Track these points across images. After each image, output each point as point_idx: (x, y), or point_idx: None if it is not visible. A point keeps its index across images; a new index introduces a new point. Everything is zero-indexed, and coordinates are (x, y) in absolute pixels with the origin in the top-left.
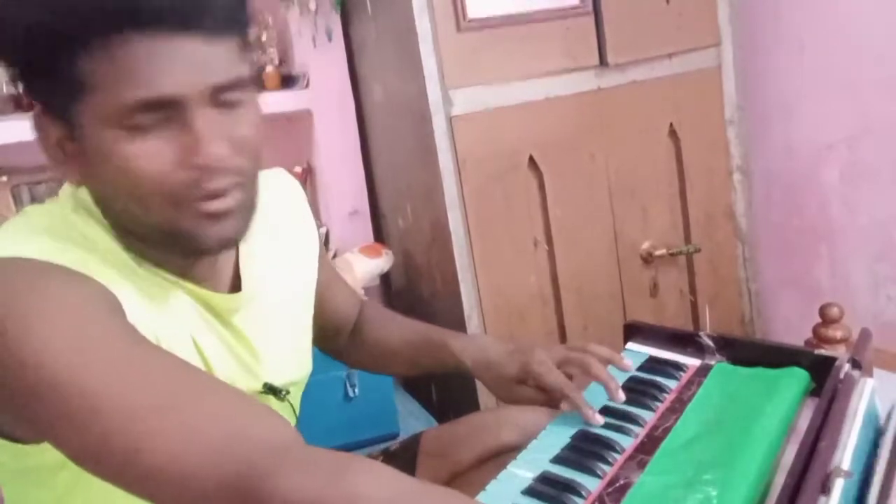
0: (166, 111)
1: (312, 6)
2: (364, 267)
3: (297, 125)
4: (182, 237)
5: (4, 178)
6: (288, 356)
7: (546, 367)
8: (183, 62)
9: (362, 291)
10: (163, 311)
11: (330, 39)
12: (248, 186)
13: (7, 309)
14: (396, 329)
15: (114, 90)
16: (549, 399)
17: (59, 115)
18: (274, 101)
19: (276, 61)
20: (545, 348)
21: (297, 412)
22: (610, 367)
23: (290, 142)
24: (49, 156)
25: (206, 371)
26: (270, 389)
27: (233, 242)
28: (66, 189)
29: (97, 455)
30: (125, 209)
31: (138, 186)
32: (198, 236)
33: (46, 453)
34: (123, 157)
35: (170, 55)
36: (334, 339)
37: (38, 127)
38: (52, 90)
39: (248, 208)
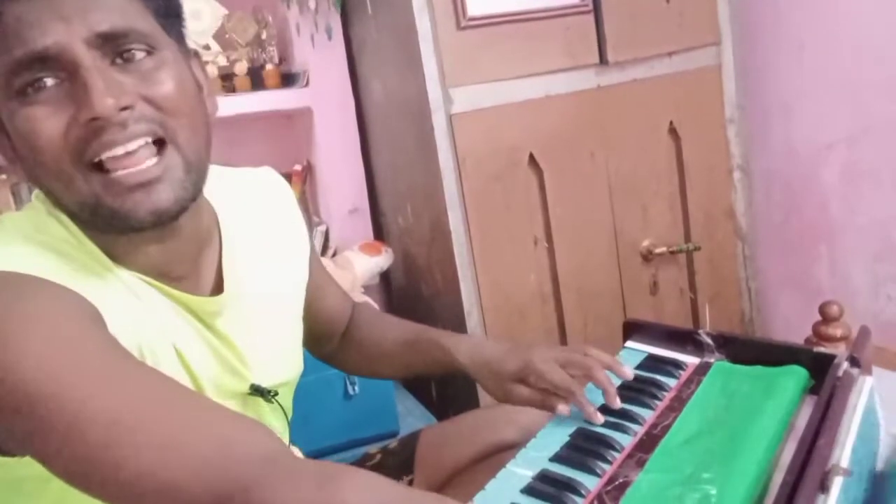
0: (55, 71)
1: (312, 5)
2: (364, 265)
3: (297, 123)
4: (109, 215)
5: (4, 177)
6: (276, 357)
7: (549, 365)
8: (56, 14)
9: (362, 289)
10: (143, 317)
11: (330, 38)
12: (182, 145)
13: None
14: (389, 330)
15: (1, 59)
16: (545, 401)
17: None
18: (274, 100)
19: (277, 60)
20: (546, 347)
21: (289, 413)
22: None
23: (290, 140)
24: (3, 156)
25: (190, 381)
26: (258, 391)
27: (170, 213)
28: (38, 193)
29: (81, 470)
30: (53, 191)
31: (41, 155)
32: (123, 210)
33: (31, 466)
34: (23, 124)
35: (43, 10)
36: (325, 342)
37: None
38: None
39: (183, 172)
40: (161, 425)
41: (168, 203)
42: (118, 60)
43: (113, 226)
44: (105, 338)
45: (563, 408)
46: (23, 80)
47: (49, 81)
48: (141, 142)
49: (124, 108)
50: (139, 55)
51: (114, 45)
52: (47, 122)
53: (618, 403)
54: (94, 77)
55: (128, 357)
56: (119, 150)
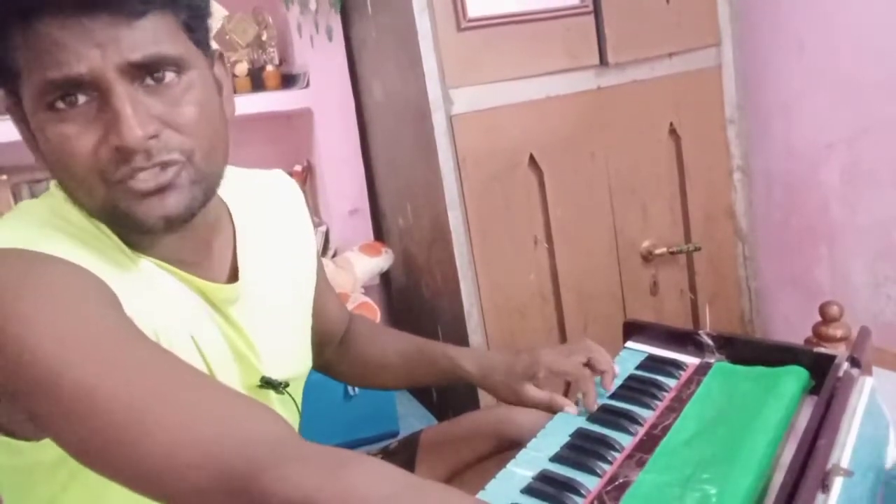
0: (87, 91)
1: (312, 6)
2: (364, 265)
3: (297, 124)
4: (123, 218)
5: (4, 177)
6: (286, 351)
7: (554, 357)
8: (91, 41)
9: (362, 290)
10: (160, 303)
11: (330, 39)
12: (197, 163)
13: (2, 301)
14: (390, 342)
15: (32, 74)
16: (553, 401)
17: (16, 104)
18: (274, 101)
19: (277, 61)
20: (549, 346)
21: (300, 407)
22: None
23: (291, 141)
24: (28, 146)
25: (203, 365)
26: (268, 383)
27: (181, 218)
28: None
29: (94, 450)
30: (73, 193)
31: (70, 167)
32: (136, 215)
33: (44, 450)
34: (53, 139)
35: (78, 36)
36: (321, 351)
37: (12, 119)
38: (2, 79)
39: (196, 182)
40: (174, 407)
41: (178, 210)
42: (149, 81)
43: (127, 227)
44: (121, 319)
45: (571, 408)
46: (54, 97)
47: (81, 99)
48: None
49: (151, 137)
50: (169, 76)
51: (145, 70)
52: (78, 140)
53: (610, 386)
54: (125, 105)
55: (143, 338)
56: (142, 176)
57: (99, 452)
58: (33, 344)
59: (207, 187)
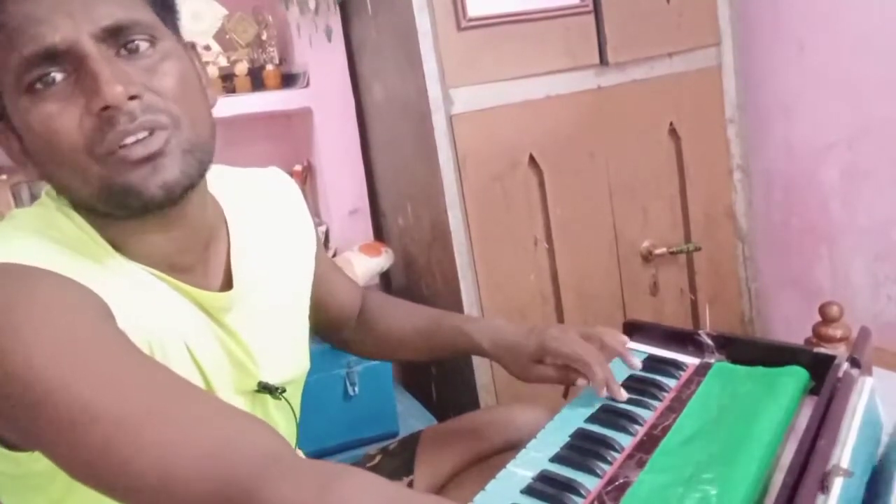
0: (63, 66)
1: (312, 5)
2: (364, 265)
3: (297, 124)
4: (122, 193)
5: (4, 177)
6: (283, 354)
7: (560, 342)
8: (63, 11)
9: None
10: (154, 312)
11: (330, 38)
12: (184, 131)
13: None
14: (407, 316)
15: (7, 58)
16: (563, 376)
17: None
18: (274, 100)
19: (277, 60)
20: (559, 327)
21: (297, 412)
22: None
23: (291, 140)
24: (12, 159)
25: (200, 377)
26: (265, 388)
27: (179, 187)
28: (49, 190)
29: (87, 465)
30: (67, 184)
31: (57, 147)
32: (134, 186)
33: (39, 462)
34: (37, 122)
35: (49, 7)
36: (339, 331)
37: None
38: None
39: (187, 151)
40: (165, 423)
41: (175, 176)
42: (123, 52)
43: (126, 206)
44: (113, 333)
45: (581, 381)
46: (32, 76)
47: (58, 76)
48: (149, 131)
49: (132, 98)
50: (143, 46)
51: (118, 38)
52: (61, 117)
53: (623, 395)
54: (102, 67)
55: (135, 353)
56: (130, 139)
57: (92, 468)
58: (25, 359)
59: (201, 159)
